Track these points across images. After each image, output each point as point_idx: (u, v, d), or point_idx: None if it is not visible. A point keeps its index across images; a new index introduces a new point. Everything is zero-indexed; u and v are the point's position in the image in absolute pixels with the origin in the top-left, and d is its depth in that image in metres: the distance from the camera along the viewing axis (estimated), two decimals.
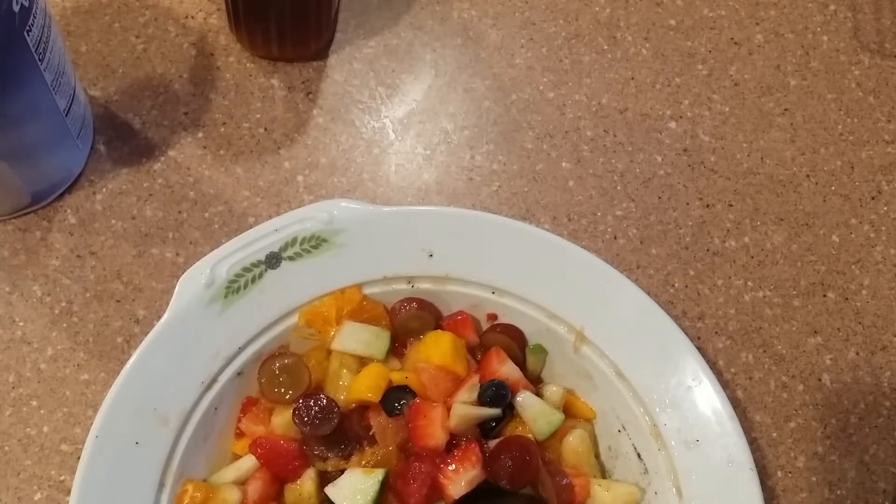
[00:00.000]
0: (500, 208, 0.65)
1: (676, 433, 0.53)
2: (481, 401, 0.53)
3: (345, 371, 0.54)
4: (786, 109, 0.70)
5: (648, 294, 0.55)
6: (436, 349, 0.54)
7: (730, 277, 0.64)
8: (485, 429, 0.53)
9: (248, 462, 0.53)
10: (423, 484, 0.50)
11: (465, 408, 0.52)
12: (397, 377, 0.54)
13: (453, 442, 0.51)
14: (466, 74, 0.70)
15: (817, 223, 0.66)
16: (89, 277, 0.60)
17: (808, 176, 0.68)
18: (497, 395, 0.53)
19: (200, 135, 0.66)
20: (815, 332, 0.63)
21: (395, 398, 0.53)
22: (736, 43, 0.73)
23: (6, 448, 0.56)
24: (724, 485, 0.51)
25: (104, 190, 0.63)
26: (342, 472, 0.51)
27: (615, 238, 0.65)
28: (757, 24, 0.74)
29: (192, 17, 0.69)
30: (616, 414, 0.55)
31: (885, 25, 0.74)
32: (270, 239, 0.55)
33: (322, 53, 0.69)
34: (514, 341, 0.57)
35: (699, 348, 0.55)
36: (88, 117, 0.63)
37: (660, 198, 0.66)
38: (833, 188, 0.68)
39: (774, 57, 0.72)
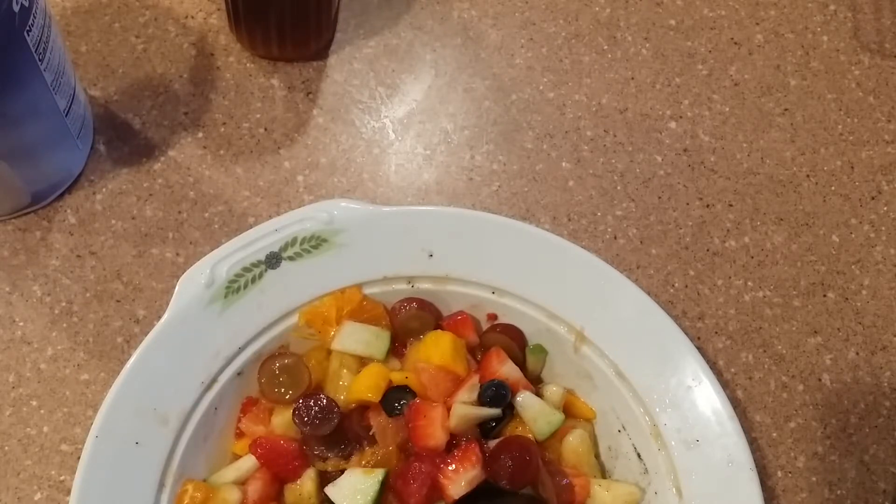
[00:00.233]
0: (500, 208, 0.65)
1: (676, 433, 0.53)
2: (481, 401, 0.53)
3: (345, 371, 0.54)
4: (786, 109, 0.70)
5: (648, 294, 0.55)
6: (436, 349, 0.54)
7: (730, 277, 0.64)
8: (485, 429, 0.53)
9: (248, 462, 0.53)
10: (423, 484, 0.50)
11: (465, 408, 0.52)
12: (397, 377, 0.54)
13: (453, 442, 0.51)
14: (466, 74, 0.70)
15: (817, 223, 0.66)
16: (89, 277, 0.60)
17: (808, 176, 0.68)
18: (497, 395, 0.53)
19: (200, 135, 0.66)
20: (815, 332, 0.63)
21: (395, 398, 0.53)
22: (736, 43, 0.73)
23: (6, 448, 0.56)
24: (724, 485, 0.51)
25: (104, 190, 0.63)
26: (342, 472, 0.51)
27: (615, 238, 0.65)
28: (757, 24, 0.74)
29: (192, 17, 0.70)
30: (616, 414, 0.55)
31: (885, 25, 0.74)
32: (270, 239, 0.55)
33: (322, 53, 0.69)
34: (514, 341, 0.57)
35: (699, 348, 0.55)
36: (88, 117, 0.63)
37: (660, 198, 0.66)
38: (833, 188, 0.68)
39: (774, 57, 0.72)
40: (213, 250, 0.55)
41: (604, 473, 0.56)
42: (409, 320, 0.56)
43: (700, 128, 0.69)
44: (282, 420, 0.54)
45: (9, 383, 0.57)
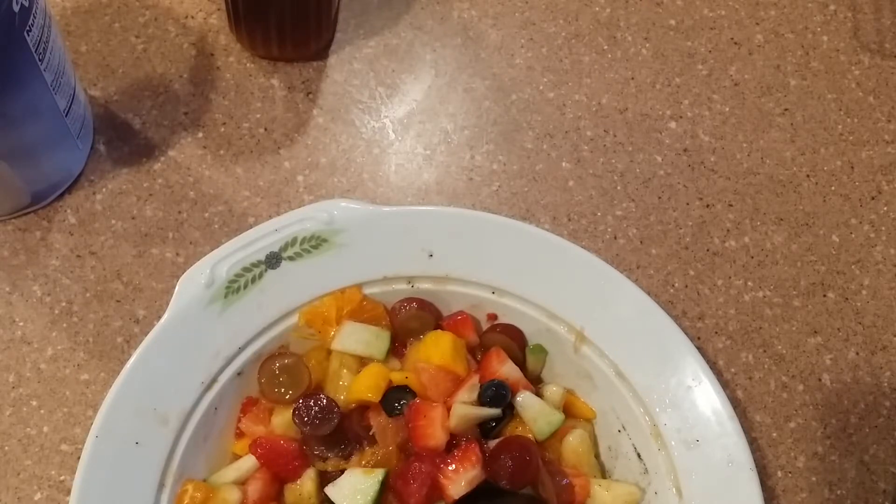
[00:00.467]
0: (500, 208, 0.65)
1: (676, 433, 0.53)
2: (481, 401, 0.53)
3: (345, 371, 0.54)
4: (786, 109, 0.70)
5: (648, 294, 0.55)
6: (436, 349, 0.54)
7: (730, 277, 0.64)
8: (485, 429, 0.53)
9: (248, 462, 0.53)
10: (423, 484, 0.50)
11: (465, 408, 0.52)
12: (397, 377, 0.54)
13: (453, 442, 0.51)
14: (466, 74, 0.70)
15: (817, 223, 0.66)
16: (89, 277, 0.60)
17: (808, 176, 0.68)
18: (497, 395, 0.53)
19: (200, 135, 0.66)
20: (815, 332, 0.63)
21: (395, 398, 0.53)
22: (736, 43, 0.73)
23: (6, 448, 0.56)
24: (724, 485, 0.51)
25: (104, 190, 0.63)
26: (342, 472, 0.51)
27: (615, 238, 0.65)
28: (757, 24, 0.74)
29: (192, 17, 0.70)
30: (616, 414, 0.55)
31: (885, 25, 0.74)
32: (270, 239, 0.55)
33: (322, 53, 0.69)
34: (514, 341, 0.57)
35: (699, 348, 0.55)
36: (88, 117, 0.63)
37: (660, 198, 0.66)
38: (833, 188, 0.68)
39: (774, 57, 0.72)
40: (213, 250, 0.55)
41: (604, 473, 0.56)
42: (409, 320, 0.56)
43: (700, 128, 0.69)
44: (282, 420, 0.54)
45: (9, 383, 0.57)
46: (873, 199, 0.68)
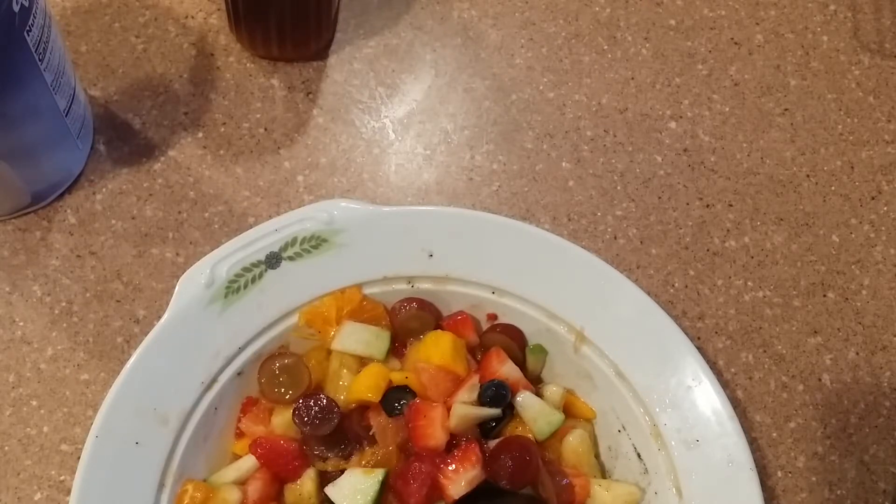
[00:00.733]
0: (500, 208, 0.65)
1: (676, 433, 0.53)
2: (481, 401, 0.53)
3: (345, 371, 0.54)
4: (786, 109, 0.70)
5: (648, 294, 0.55)
6: (436, 349, 0.54)
7: (730, 277, 0.64)
8: (485, 429, 0.53)
9: (248, 462, 0.53)
10: (423, 484, 0.50)
11: (465, 408, 0.52)
12: (397, 377, 0.54)
13: (453, 442, 0.51)
14: (466, 74, 0.70)
15: (817, 223, 0.66)
16: (89, 277, 0.60)
17: (808, 176, 0.68)
18: (497, 395, 0.53)
19: (200, 135, 0.66)
20: (815, 332, 0.63)
21: (395, 398, 0.53)
22: (736, 43, 0.73)
23: (6, 448, 0.56)
24: (724, 485, 0.51)
25: (104, 190, 0.63)
26: (342, 472, 0.51)
27: (615, 238, 0.65)
28: (757, 24, 0.74)
29: (192, 17, 0.70)
30: (616, 414, 0.55)
31: (885, 25, 0.74)
32: (270, 239, 0.55)
33: (322, 53, 0.69)
34: (514, 341, 0.57)
35: (699, 348, 0.55)
36: (88, 117, 0.63)
37: (660, 198, 0.66)
38: (833, 188, 0.68)
39: (774, 57, 0.72)
40: (213, 250, 0.55)
41: (604, 473, 0.56)
42: (409, 320, 0.56)
43: (700, 128, 0.69)
44: (282, 420, 0.54)
45: (9, 383, 0.57)
46: (873, 199, 0.68)
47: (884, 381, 0.62)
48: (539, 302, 0.56)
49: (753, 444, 0.59)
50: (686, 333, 0.55)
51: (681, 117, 0.69)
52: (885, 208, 0.67)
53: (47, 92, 0.55)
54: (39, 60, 0.52)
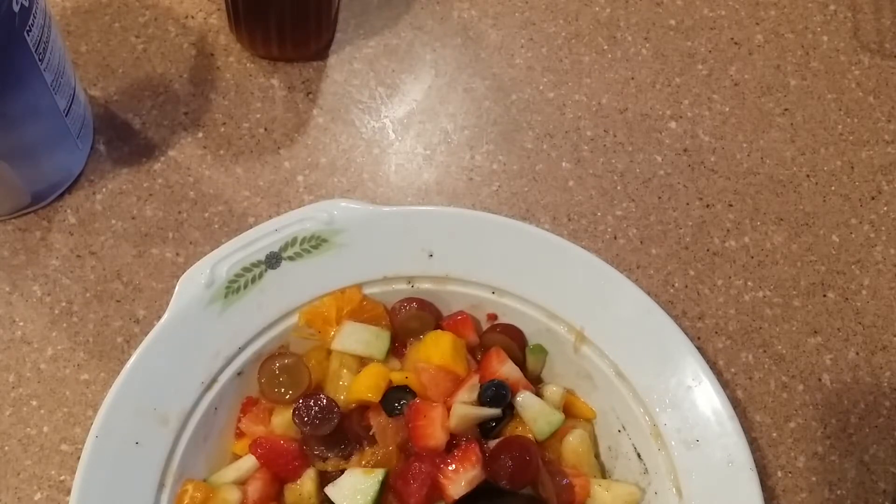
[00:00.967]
0: (500, 208, 0.65)
1: (676, 433, 0.53)
2: (481, 401, 0.53)
3: (345, 371, 0.54)
4: (786, 109, 0.70)
5: (648, 294, 0.55)
6: (436, 349, 0.54)
7: (730, 277, 0.64)
8: (485, 429, 0.53)
9: (248, 462, 0.53)
10: (423, 484, 0.50)
11: (465, 408, 0.52)
12: (397, 377, 0.54)
13: (453, 442, 0.51)
14: (466, 74, 0.70)
15: (817, 223, 0.66)
16: (89, 277, 0.60)
17: (808, 176, 0.68)
18: (497, 395, 0.53)
19: (200, 135, 0.66)
20: (815, 332, 0.63)
21: (395, 398, 0.53)
22: (736, 43, 0.73)
23: (6, 448, 0.56)
24: (724, 485, 0.51)
25: (104, 190, 0.63)
26: (342, 472, 0.51)
27: (615, 238, 0.65)
28: (757, 24, 0.74)
29: (192, 17, 0.70)
30: (616, 414, 0.55)
31: (885, 25, 0.74)
32: (270, 239, 0.55)
33: (322, 53, 0.69)
34: (514, 341, 0.57)
35: (699, 348, 0.55)
36: (88, 117, 0.63)
37: (660, 198, 0.66)
38: (833, 188, 0.68)
39: (774, 57, 0.72)
40: (213, 250, 0.55)
41: (604, 473, 0.56)
42: (409, 320, 0.56)
43: (700, 128, 0.69)
44: (282, 420, 0.54)
45: (9, 383, 0.57)
46: (873, 199, 0.68)
47: (884, 381, 0.62)
48: (539, 302, 0.56)
49: (753, 444, 0.59)
50: (686, 333, 0.55)
51: (681, 117, 0.69)
52: (885, 208, 0.67)
53: (47, 92, 0.55)
54: (39, 60, 0.52)
